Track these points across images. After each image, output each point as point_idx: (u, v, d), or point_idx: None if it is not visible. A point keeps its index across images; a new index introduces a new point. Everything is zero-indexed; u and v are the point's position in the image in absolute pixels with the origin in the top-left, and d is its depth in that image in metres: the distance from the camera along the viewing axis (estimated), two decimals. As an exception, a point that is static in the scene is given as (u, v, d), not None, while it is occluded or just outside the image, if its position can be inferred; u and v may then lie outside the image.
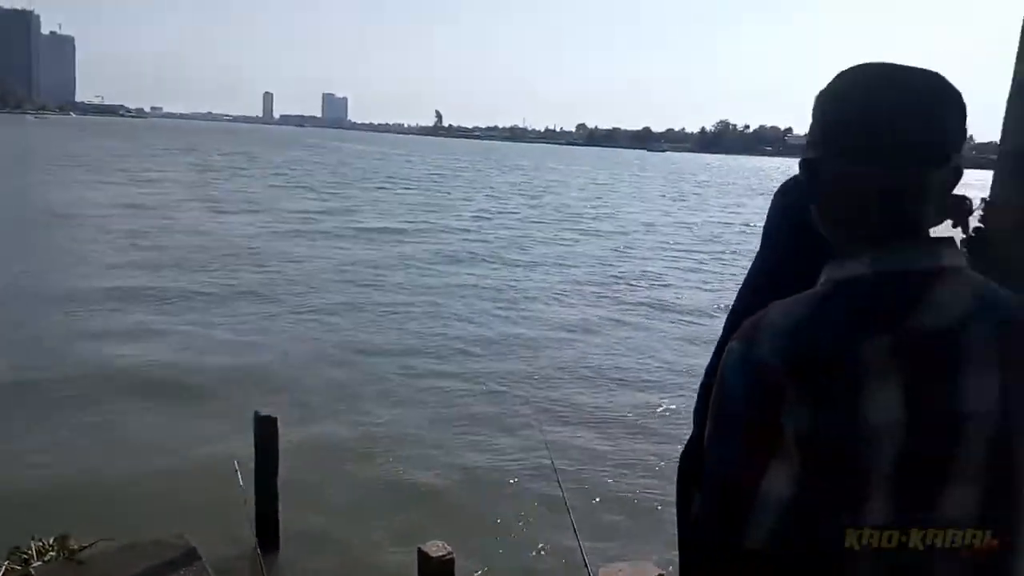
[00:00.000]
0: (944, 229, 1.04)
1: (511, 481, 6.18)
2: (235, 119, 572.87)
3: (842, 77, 0.98)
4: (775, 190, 1.98)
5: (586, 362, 9.56)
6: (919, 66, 0.96)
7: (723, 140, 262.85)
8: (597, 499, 5.97)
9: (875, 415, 0.89)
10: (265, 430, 5.07)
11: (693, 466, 1.24)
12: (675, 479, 1.70)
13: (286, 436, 5.21)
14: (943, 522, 0.91)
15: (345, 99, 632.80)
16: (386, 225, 22.15)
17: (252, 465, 4.96)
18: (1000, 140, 1.37)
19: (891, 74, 0.95)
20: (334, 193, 32.01)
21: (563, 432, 7.20)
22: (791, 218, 2.08)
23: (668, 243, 22.23)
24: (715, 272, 17.45)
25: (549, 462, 4.71)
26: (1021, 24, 1.36)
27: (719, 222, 28.95)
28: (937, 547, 0.91)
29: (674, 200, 40.57)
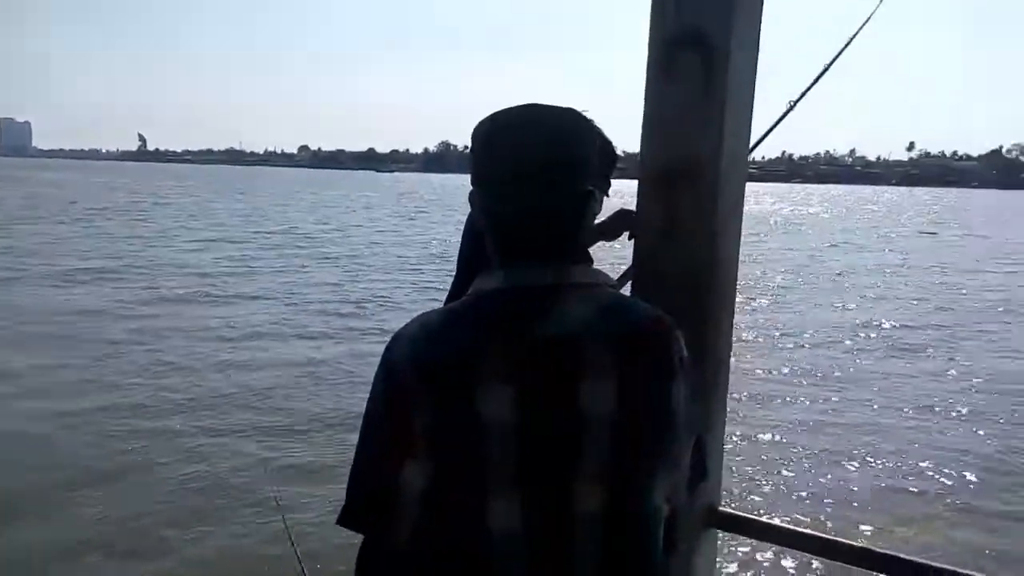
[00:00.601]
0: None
1: (245, 555, 5.67)
2: None
3: (487, 117, 1.09)
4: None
5: (319, 403, 9.18)
6: (558, 105, 1.08)
7: (446, 160, 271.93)
8: (335, 552, 5.73)
9: (486, 416, 0.96)
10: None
11: None
12: None
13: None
14: (571, 516, 0.98)
15: (28, 124, 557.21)
16: (83, 264, 19.76)
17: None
18: (639, 165, 1.49)
19: (524, 114, 1.06)
20: (8, 232, 27.88)
21: (299, 488, 6.77)
22: (475, 239, 2.19)
23: (400, 264, 22.38)
24: (445, 289, 17.85)
25: (283, 525, 4.42)
26: (646, 57, 1.49)
27: (445, 239, 29.77)
28: (566, 539, 0.98)
29: (403, 219, 41.05)
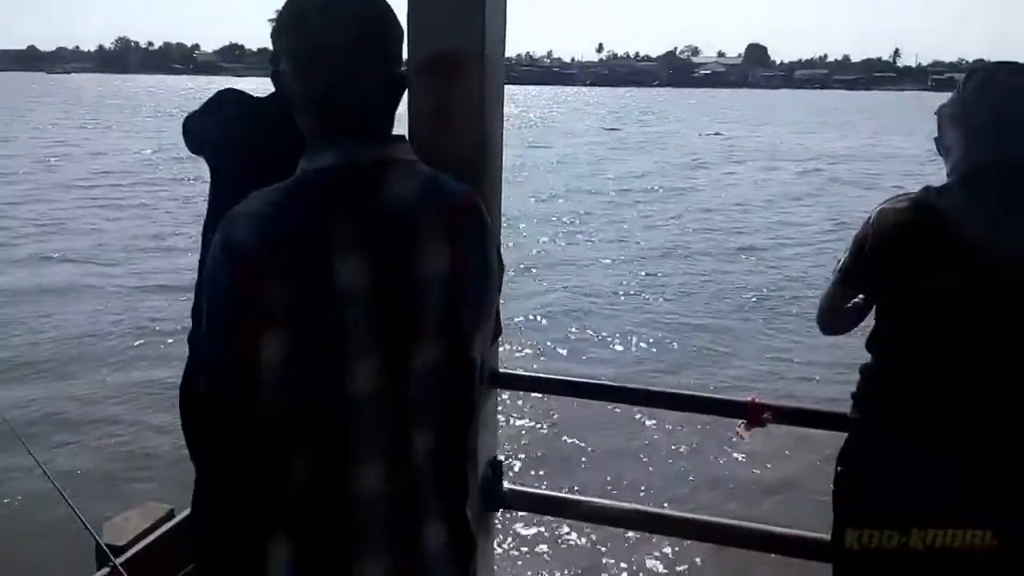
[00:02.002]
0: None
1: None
2: None
3: (296, 3, 1.11)
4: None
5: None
6: None
7: (126, 59, 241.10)
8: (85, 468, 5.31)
9: (343, 285, 1.03)
10: None
11: (196, 387, 1.32)
12: (178, 409, 1.69)
13: None
14: (414, 371, 1.09)
15: None
16: None
17: None
18: (408, 56, 1.56)
19: None
20: None
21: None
22: (224, 138, 2.10)
23: (81, 181, 19.70)
24: (146, 205, 16.28)
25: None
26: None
27: (136, 152, 26.72)
28: (409, 393, 1.10)
29: (80, 129, 35.95)
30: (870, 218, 1.55)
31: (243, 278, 1.01)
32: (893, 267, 1.50)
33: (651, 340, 8.41)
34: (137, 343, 8.02)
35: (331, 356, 1.04)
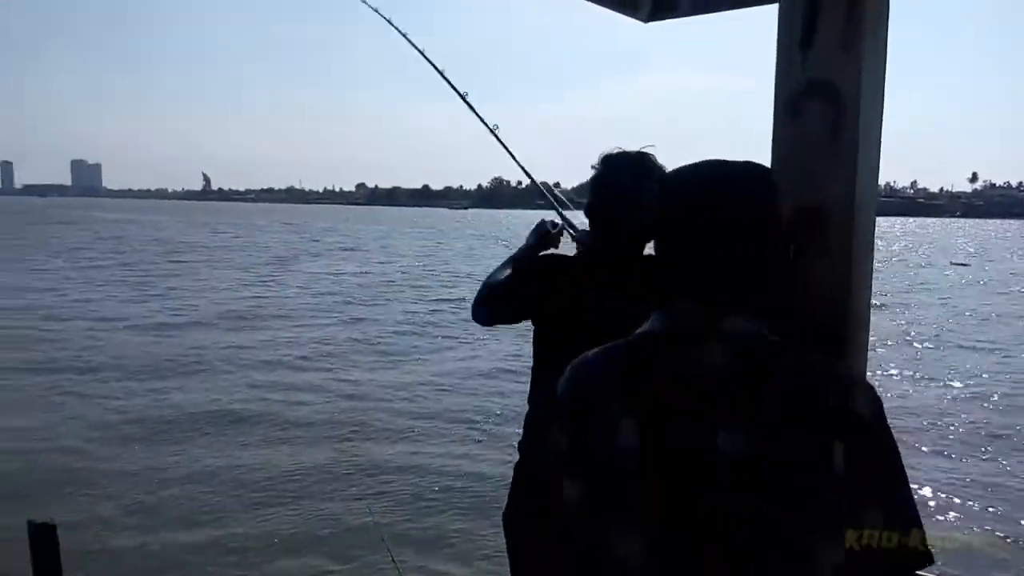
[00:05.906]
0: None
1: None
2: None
3: (683, 173, 1.15)
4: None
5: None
6: (740, 160, 1.14)
7: (499, 196, 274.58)
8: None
9: (616, 447, 1.04)
10: (44, 540, 4.22)
11: None
12: None
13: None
14: (698, 554, 1.00)
15: (98, 165, 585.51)
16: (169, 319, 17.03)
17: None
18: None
19: (721, 168, 1.12)
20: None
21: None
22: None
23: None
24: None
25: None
26: (773, 102, 1.53)
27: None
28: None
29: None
30: None
31: (557, 423, 1.13)
32: None
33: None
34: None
35: (598, 515, 1.07)
